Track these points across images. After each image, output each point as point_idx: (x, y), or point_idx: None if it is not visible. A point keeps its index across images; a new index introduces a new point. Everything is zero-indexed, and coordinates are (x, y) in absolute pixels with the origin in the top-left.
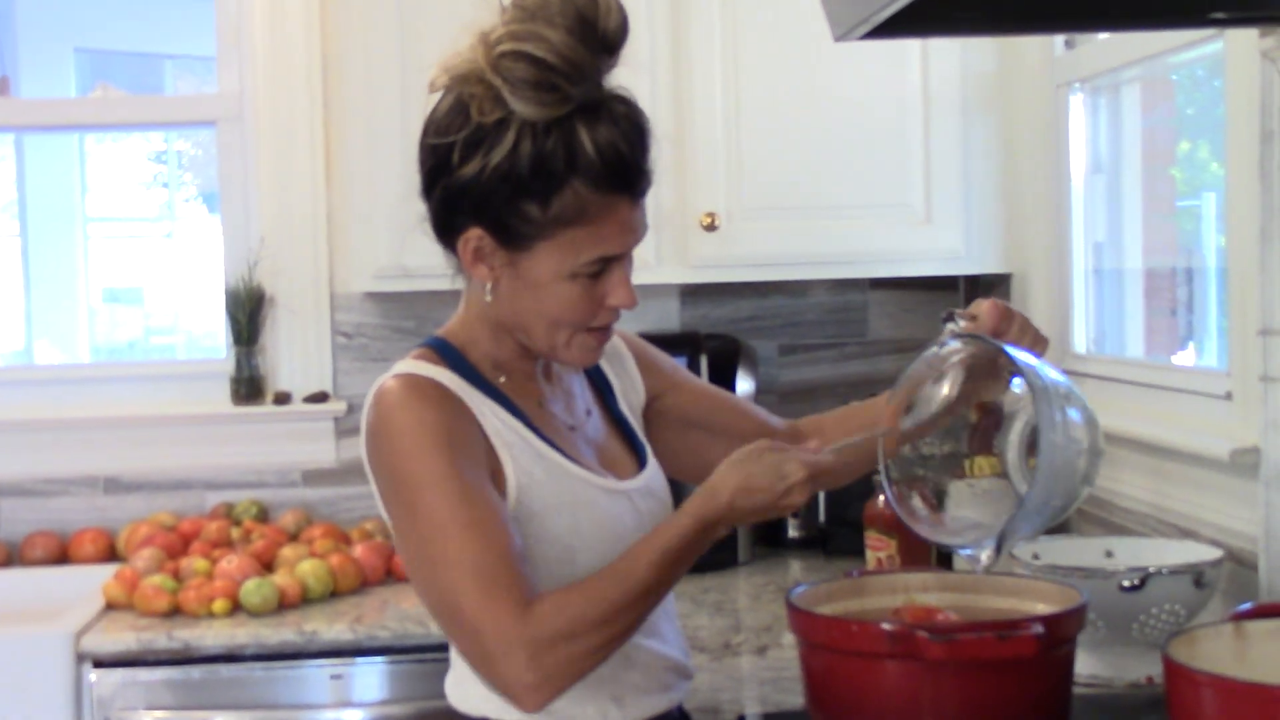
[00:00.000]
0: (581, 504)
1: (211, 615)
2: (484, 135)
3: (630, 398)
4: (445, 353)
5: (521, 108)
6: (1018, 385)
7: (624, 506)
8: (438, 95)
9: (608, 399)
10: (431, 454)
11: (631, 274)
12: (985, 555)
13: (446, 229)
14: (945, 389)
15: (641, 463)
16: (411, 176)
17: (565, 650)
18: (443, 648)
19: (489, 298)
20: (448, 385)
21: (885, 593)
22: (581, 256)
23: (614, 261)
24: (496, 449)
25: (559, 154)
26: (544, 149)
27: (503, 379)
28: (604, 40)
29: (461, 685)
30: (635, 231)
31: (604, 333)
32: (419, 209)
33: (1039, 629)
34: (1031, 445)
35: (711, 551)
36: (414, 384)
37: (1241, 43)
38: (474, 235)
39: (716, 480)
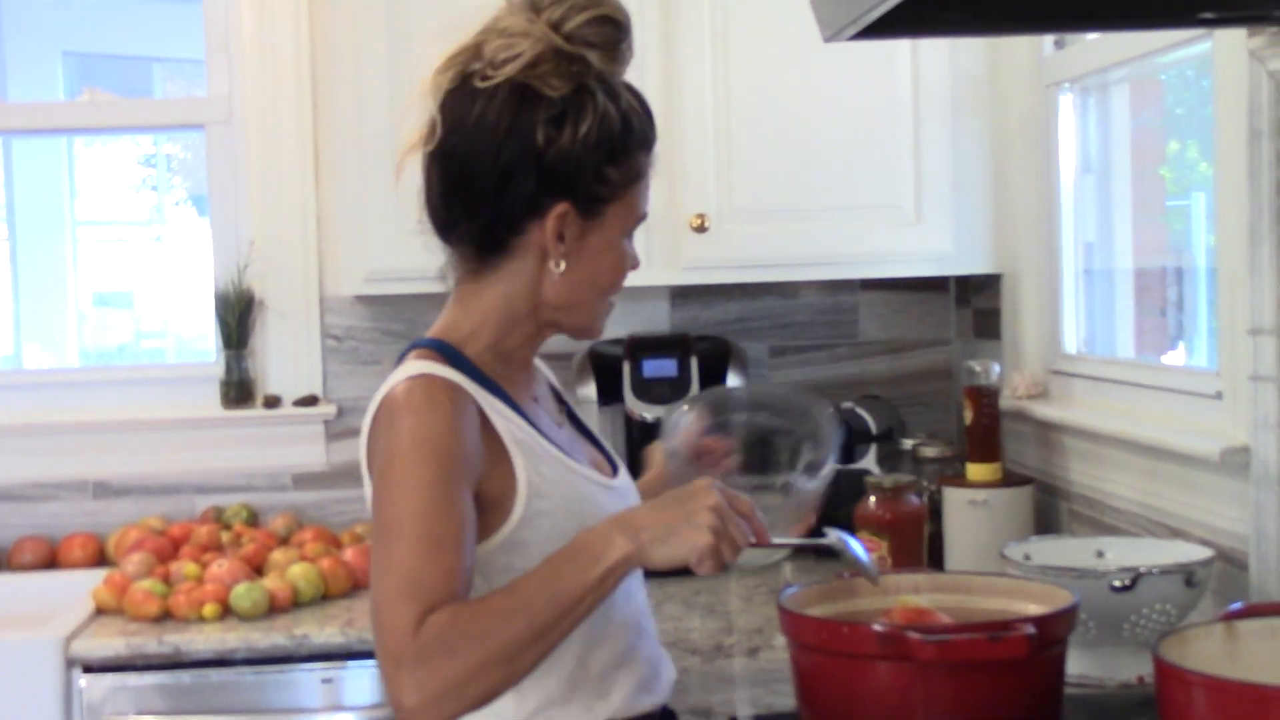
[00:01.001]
0: (586, 500)
1: (202, 619)
2: (566, 108)
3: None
4: (445, 352)
5: (611, 66)
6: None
7: (619, 504)
8: (448, 100)
9: (566, 406)
10: (420, 462)
11: None
12: None
13: (528, 213)
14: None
15: (612, 464)
16: (400, 180)
17: (447, 669)
18: None
19: (559, 273)
20: (462, 385)
21: (876, 594)
22: (635, 214)
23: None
24: (508, 448)
25: (635, 118)
26: (625, 107)
27: (501, 370)
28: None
29: None
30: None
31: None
32: (415, 219)
33: (1030, 630)
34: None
35: None
36: (427, 385)
37: (1230, 42)
38: (561, 210)
39: (637, 521)
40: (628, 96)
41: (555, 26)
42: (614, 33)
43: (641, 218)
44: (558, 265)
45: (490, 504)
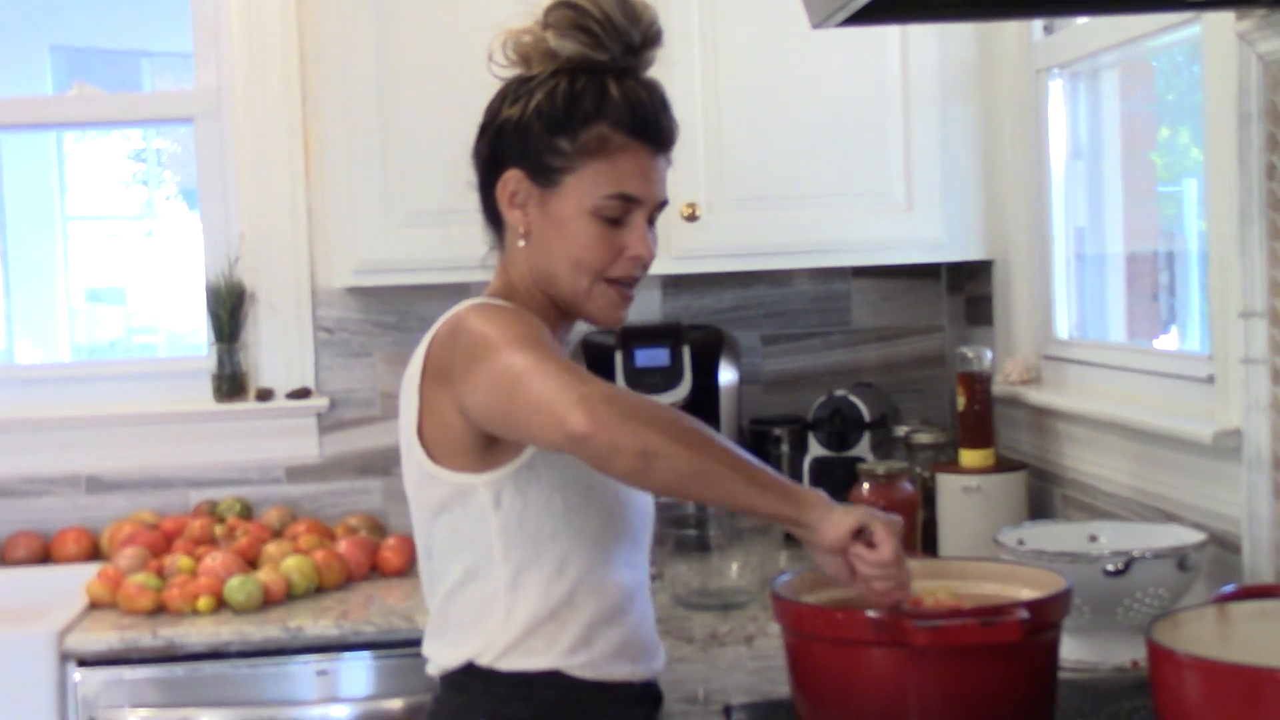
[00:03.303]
0: None
1: (196, 613)
2: (529, 82)
3: None
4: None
5: (559, 44)
6: None
7: None
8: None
9: None
10: (510, 324)
11: (655, 243)
12: None
13: (490, 175)
14: None
15: None
16: (390, 171)
17: (636, 404)
18: None
19: (522, 243)
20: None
21: None
22: (601, 189)
23: (634, 210)
24: None
25: (589, 95)
26: (576, 90)
27: None
28: (637, 20)
29: (438, 638)
30: (654, 183)
31: (624, 289)
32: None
33: (1024, 614)
34: None
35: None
36: (496, 304)
37: (1219, 26)
38: (512, 177)
39: (832, 516)
40: (613, 82)
41: (543, 13)
42: (569, 14)
43: (619, 198)
44: (519, 229)
45: None
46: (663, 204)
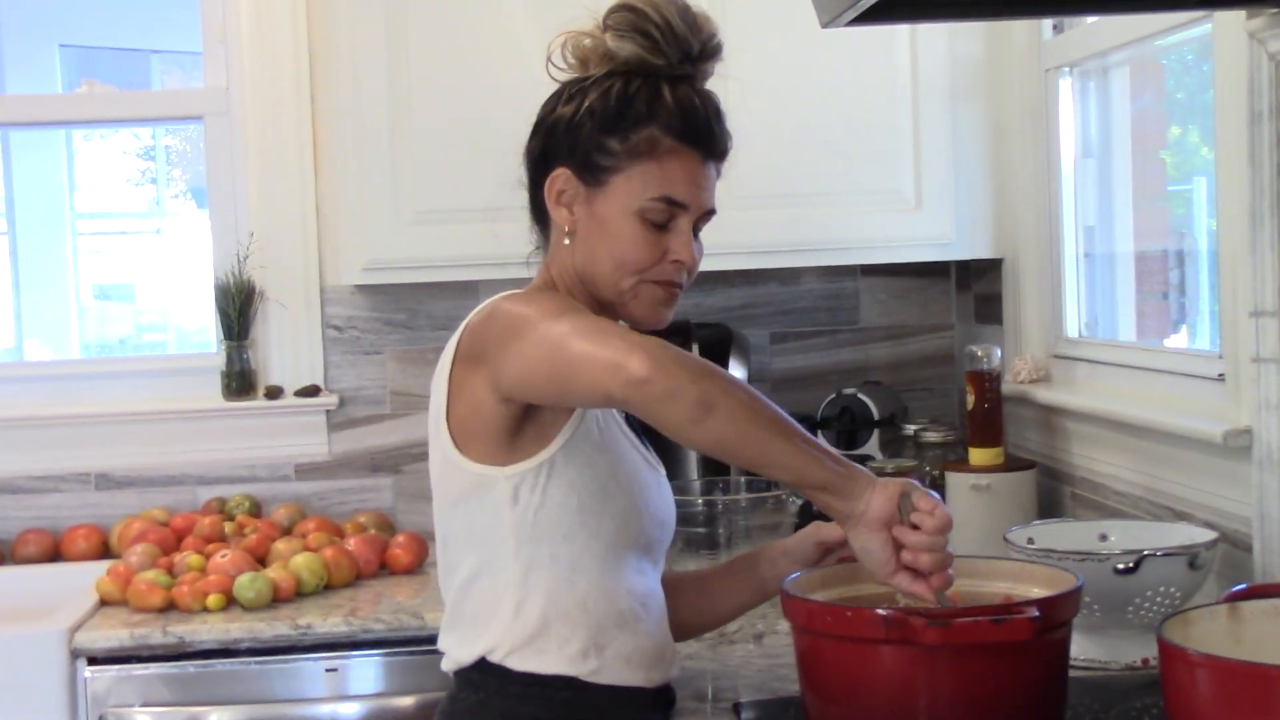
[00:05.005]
0: (625, 457)
1: (205, 610)
2: (586, 82)
3: None
4: None
5: (616, 45)
6: None
7: (655, 479)
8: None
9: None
10: (545, 302)
11: (701, 252)
12: None
13: (540, 173)
14: None
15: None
16: (399, 169)
17: (680, 353)
18: (435, 639)
19: (567, 241)
20: None
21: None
22: (648, 191)
23: (679, 215)
24: None
25: (642, 97)
26: (630, 91)
27: None
28: (698, 30)
29: (451, 632)
30: (701, 190)
31: (670, 290)
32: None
33: (1034, 613)
34: None
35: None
36: (530, 291)
37: (1229, 24)
38: (560, 175)
39: (877, 487)
40: (667, 87)
41: (604, 16)
42: (628, 17)
43: (665, 201)
44: (564, 228)
45: (548, 422)
46: (710, 212)
